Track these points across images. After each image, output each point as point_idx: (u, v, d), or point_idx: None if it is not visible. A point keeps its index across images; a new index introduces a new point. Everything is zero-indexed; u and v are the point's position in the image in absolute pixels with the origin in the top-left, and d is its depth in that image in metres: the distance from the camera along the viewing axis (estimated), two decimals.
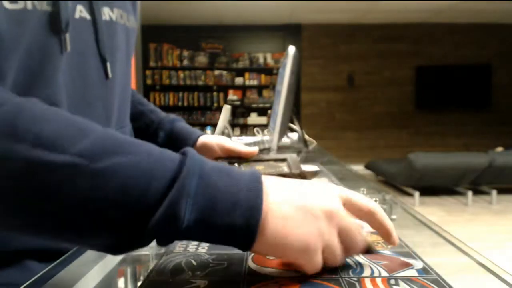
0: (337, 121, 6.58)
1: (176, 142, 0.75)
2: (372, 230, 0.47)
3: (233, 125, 6.06)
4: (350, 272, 0.38)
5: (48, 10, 0.45)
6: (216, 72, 6.29)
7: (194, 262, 0.42)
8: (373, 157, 6.18)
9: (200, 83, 6.29)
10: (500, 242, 3.25)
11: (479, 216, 4.01)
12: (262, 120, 6.19)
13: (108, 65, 0.55)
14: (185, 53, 6.28)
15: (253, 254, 0.44)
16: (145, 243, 0.35)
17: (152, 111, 0.81)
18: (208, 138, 0.73)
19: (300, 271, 0.37)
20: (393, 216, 0.63)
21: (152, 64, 6.20)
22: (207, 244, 0.47)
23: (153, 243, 0.34)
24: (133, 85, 0.72)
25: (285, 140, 0.62)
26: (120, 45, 0.58)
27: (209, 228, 0.33)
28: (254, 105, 6.32)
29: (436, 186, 4.68)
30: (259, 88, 6.38)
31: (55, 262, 0.42)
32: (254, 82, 6.34)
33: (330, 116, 6.59)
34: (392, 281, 0.36)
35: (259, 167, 0.60)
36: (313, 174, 0.81)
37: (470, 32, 6.43)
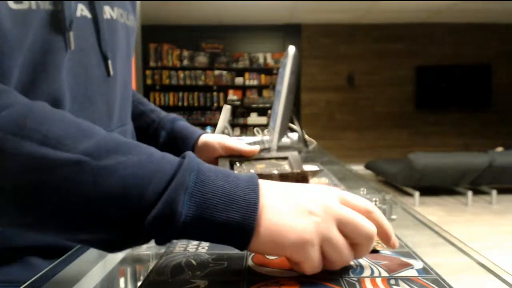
0: (337, 121, 6.58)
1: (177, 141, 0.75)
2: None
3: (233, 125, 6.06)
4: (350, 272, 0.38)
5: (51, 9, 0.46)
6: (216, 72, 6.28)
7: (194, 262, 0.42)
8: (373, 157, 6.18)
9: (200, 83, 6.29)
10: (500, 242, 3.25)
11: (479, 216, 4.01)
12: (262, 120, 6.19)
13: (110, 62, 0.55)
14: (185, 53, 6.28)
15: (253, 254, 0.44)
16: (143, 241, 0.36)
17: (153, 111, 0.81)
18: (209, 137, 0.73)
19: (300, 272, 0.37)
20: (393, 216, 0.63)
21: (152, 64, 6.20)
22: (207, 244, 0.47)
23: (153, 243, 0.35)
24: (133, 85, 0.72)
25: (285, 140, 0.62)
26: (121, 43, 0.59)
27: (206, 224, 0.34)
28: (254, 105, 6.32)
29: (436, 186, 4.68)
30: (259, 88, 6.38)
31: (57, 261, 0.42)
32: (254, 82, 6.34)
33: (330, 116, 6.59)
34: (392, 281, 0.36)
35: (260, 165, 0.60)
36: (314, 173, 0.80)
37: (470, 32, 6.43)
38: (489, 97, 6.48)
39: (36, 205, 0.34)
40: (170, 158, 0.37)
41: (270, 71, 6.29)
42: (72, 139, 0.34)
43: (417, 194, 4.46)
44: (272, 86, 6.23)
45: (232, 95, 6.34)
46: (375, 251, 0.44)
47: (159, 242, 0.35)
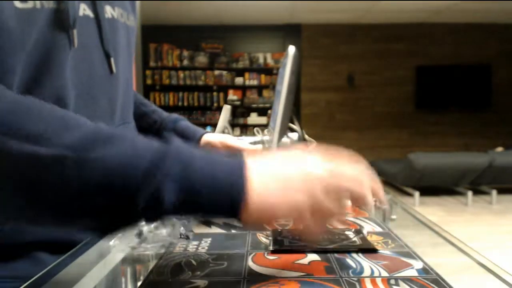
0: (337, 121, 6.58)
1: None
2: (371, 230, 0.47)
3: (233, 125, 6.06)
4: (350, 272, 0.38)
5: (55, 7, 0.47)
6: (216, 72, 6.28)
7: (194, 262, 0.42)
8: (373, 157, 6.18)
9: (200, 83, 6.29)
10: (500, 242, 3.25)
11: (479, 216, 4.01)
12: (262, 120, 6.19)
13: (112, 60, 0.56)
14: (185, 53, 6.28)
15: (253, 254, 0.43)
16: (134, 223, 0.37)
17: (155, 112, 0.81)
18: (211, 136, 0.73)
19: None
20: (393, 216, 0.63)
21: (152, 64, 6.20)
22: (207, 244, 0.47)
23: (153, 243, 0.34)
24: (133, 85, 0.73)
25: (285, 140, 0.62)
26: (122, 42, 0.60)
27: (193, 183, 0.35)
28: (254, 105, 6.32)
29: (436, 186, 4.68)
30: (259, 88, 6.38)
31: (57, 261, 0.42)
32: (254, 82, 6.34)
33: (330, 116, 6.59)
34: (392, 281, 0.36)
35: None
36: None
37: (470, 32, 6.43)
38: (489, 97, 6.48)
39: (26, 202, 0.35)
40: (154, 145, 0.37)
41: (270, 71, 6.29)
42: (56, 133, 0.35)
43: (417, 194, 4.46)
44: (272, 86, 6.23)
45: (232, 95, 6.33)
46: (375, 251, 0.44)
47: (149, 217, 0.36)
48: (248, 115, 6.34)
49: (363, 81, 6.52)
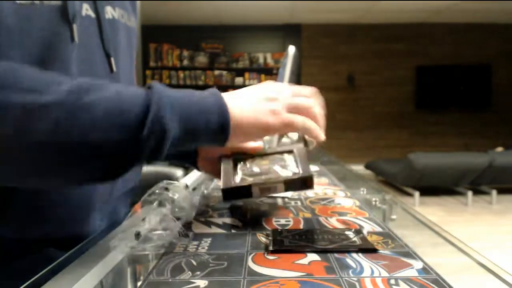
0: (337, 121, 6.58)
1: None
2: (371, 230, 0.47)
3: None
4: (350, 272, 0.38)
5: (55, 4, 0.48)
6: (216, 72, 6.28)
7: (194, 262, 0.42)
8: (373, 157, 6.18)
9: (200, 83, 6.29)
10: (500, 242, 3.26)
11: (479, 216, 4.01)
12: None
13: (112, 59, 0.57)
14: (185, 53, 6.28)
15: (253, 254, 0.43)
16: (138, 163, 0.42)
17: None
18: None
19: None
20: (393, 216, 0.63)
21: (152, 64, 6.20)
22: (207, 244, 0.47)
23: (153, 243, 0.34)
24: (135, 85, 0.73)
25: (285, 140, 0.62)
26: (122, 42, 0.61)
27: (189, 112, 0.43)
28: None
29: (436, 186, 4.68)
30: None
31: (57, 261, 0.42)
32: (254, 82, 6.34)
33: (330, 116, 6.55)
34: (392, 281, 0.36)
35: (265, 161, 0.59)
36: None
37: (470, 32, 6.43)
38: (489, 97, 6.48)
39: (38, 150, 0.38)
40: (140, 89, 0.43)
41: (270, 71, 6.29)
42: (52, 84, 0.39)
43: (417, 194, 4.46)
44: None
45: None
46: (375, 251, 0.44)
47: (153, 156, 0.42)
48: None
49: (363, 81, 6.53)
